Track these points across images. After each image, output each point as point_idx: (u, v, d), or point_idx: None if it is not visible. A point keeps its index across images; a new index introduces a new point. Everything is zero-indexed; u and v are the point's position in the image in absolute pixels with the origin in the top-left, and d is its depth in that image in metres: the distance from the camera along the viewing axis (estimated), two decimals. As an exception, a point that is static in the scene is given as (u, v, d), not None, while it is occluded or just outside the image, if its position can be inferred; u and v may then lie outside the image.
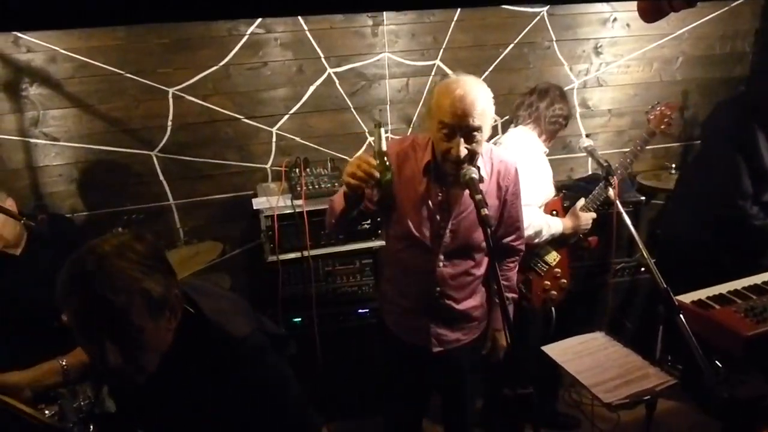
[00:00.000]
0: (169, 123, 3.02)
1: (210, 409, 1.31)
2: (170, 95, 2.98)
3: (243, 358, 1.34)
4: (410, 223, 2.03)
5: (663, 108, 2.80)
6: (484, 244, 2.12)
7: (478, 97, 1.84)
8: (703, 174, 3.04)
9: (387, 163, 1.79)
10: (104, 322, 1.18)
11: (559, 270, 2.77)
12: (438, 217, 2.02)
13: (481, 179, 1.99)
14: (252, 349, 1.37)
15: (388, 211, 2.10)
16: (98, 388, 1.90)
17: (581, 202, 2.74)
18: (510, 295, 2.30)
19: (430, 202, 2.01)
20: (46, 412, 1.84)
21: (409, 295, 2.17)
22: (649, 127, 2.81)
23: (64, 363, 1.81)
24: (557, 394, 3.23)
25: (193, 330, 1.33)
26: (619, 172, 2.68)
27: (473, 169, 1.83)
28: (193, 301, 1.38)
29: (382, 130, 1.82)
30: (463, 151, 1.84)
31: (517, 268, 2.35)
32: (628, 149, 2.83)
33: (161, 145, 3.05)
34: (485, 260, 2.15)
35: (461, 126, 1.83)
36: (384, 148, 1.80)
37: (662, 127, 2.79)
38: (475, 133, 1.85)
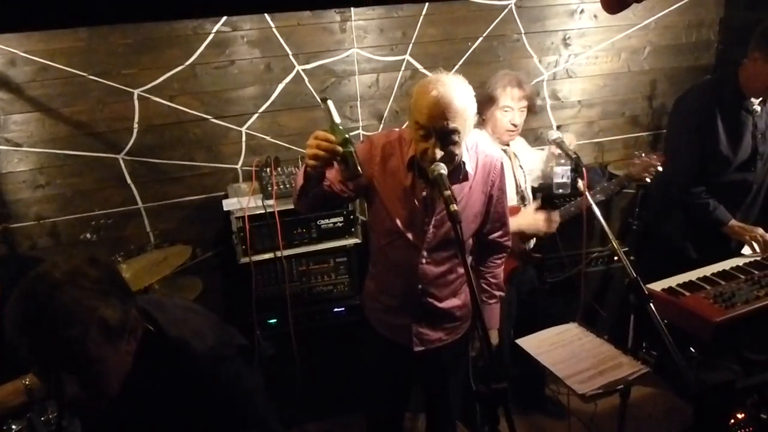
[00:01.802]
0: (136, 125, 2.96)
1: (174, 425, 1.28)
2: (135, 97, 2.91)
3: (205, 372, 1.31)
4: (395, 218, 2.02)
5: (654, 157, 2.76)
6: (469, 241, 2.12)
7: (455, 98, 1.80)
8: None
9: (346, 136, 1.72)
10: (59, 355, 1.13)
11: None
12: (422, 213, 2.01)
13: (466, 176, 1.99)
14: (215, 364, 1.33)
15: (372, 205, 2.08)
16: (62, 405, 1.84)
17: (534, 203, 2.76)
18: (497, 293, 2.31)
19: (414, 198, 2.00)
20: (14, 426, 1.79)
21: (392, 291, 2.16)
22: (629, 171, 2.79)
23: (26, 382, 1.72)
24: (544, 379, 3.24)
25: (153, 349, 1.29)
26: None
27: (442, 165, 1.80)
28: (153, 319, 1.34)
29: (330, 102, 1.76)
30: (439, 154, 1.82)
31: (503, 266, 2.34)
32: (604, 184, 2.82)
33: (128, 147, 2.98)
34: (469, 258, 2.14)
35: (435, 128, 1.81)
36: (337, 120, 1.74)
37: (644, 175, 2.76)
38: (452, 135, 1.82)
